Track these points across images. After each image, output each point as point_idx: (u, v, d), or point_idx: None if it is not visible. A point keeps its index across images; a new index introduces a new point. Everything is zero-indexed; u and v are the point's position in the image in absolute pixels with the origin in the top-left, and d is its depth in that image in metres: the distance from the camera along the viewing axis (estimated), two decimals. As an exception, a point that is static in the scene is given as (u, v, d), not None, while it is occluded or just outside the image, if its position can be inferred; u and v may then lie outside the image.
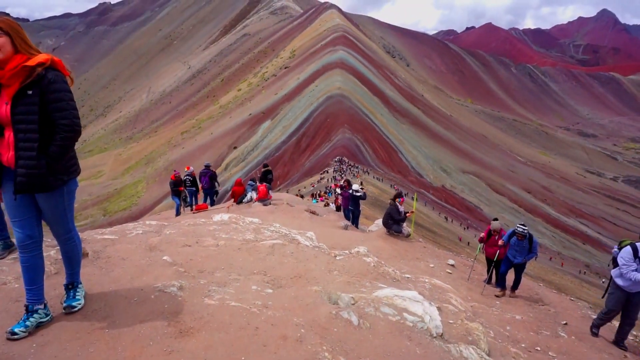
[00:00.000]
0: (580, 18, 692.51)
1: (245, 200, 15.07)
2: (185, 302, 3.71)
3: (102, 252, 4.87)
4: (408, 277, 6.81)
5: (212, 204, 16.81)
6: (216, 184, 16.39)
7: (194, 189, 15.86)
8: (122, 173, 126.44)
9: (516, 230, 8.24)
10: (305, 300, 4.16)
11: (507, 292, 8.42)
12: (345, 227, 12.80)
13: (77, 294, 3.43)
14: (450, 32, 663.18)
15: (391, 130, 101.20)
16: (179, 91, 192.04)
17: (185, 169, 16.28)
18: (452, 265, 9.78)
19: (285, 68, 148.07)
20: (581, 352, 5.71)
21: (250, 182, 15.99)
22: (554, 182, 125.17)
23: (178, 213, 14.95)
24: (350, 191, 14.47)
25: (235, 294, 4.08)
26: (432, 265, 9.11)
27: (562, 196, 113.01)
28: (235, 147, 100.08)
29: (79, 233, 3.71)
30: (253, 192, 15.16)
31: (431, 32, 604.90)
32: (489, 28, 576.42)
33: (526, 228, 8.29)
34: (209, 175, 15.98)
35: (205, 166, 16.33)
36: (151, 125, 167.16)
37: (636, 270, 5.78)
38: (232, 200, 15.57)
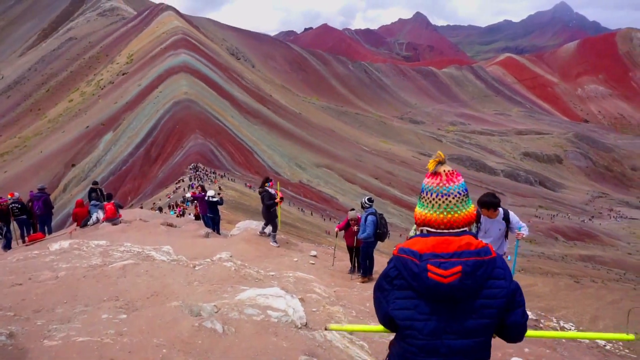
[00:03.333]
0: (400, 19, 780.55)
1: (90, 222, 13.61)
2: (19, 350, 3.21)
3: None
4: (272, 275, 6.92)
5: (50, 232, 14.82)
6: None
7: (25, 217, 13.74)
8: None
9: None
10: (165, 318, 3.94)
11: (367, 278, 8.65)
12: (207, 235, 12.45)
13: None
14: (290, 33, 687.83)
15: (244, 131, 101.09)
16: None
17: (9, 196, 13.98)
18: (315, 256, 10.23)
19: (124, 74, 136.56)
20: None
21: (93, 201, 14.46)
22: (395, 167, 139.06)
23: (9, 247, 12.77)
24: (207, 197, 14.11)
25: (83, 328, 3.67)
26: (295, 260, 9.39)
27: (403, 178, 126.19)
28: (73, 165, 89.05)
29: None
30: (99, 211, 13.73)
31: (272, 33, 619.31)
32: (325, 29, 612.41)
33: (366, 202, 8.70)
34: (42, 200, 14.01)
35: (39, 189, 14.29)
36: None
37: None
38: (75, 224, 13.92)
